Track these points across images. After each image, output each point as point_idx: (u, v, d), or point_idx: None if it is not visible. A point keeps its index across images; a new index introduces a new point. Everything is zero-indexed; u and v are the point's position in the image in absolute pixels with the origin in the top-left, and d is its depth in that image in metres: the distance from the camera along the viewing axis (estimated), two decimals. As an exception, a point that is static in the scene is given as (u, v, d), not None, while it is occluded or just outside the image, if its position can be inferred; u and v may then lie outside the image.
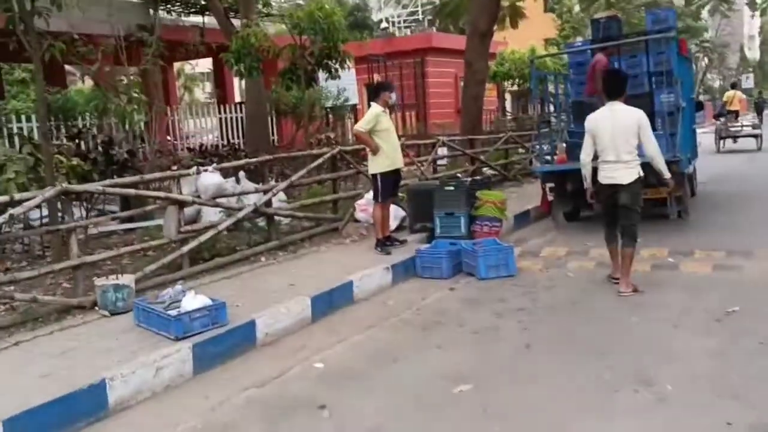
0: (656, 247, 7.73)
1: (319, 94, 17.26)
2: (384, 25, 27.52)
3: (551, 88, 11.93)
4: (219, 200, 7.45)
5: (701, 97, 40.66)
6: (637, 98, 8.35)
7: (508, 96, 28.94)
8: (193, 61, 30.69)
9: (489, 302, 6.14)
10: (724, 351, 4.53)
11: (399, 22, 30.99)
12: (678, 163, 8.61)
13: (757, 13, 59.22)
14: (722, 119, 20.46)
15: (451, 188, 8.27)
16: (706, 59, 46.98)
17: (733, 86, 22.12)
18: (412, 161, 10.84)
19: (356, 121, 21.70)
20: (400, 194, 9.05)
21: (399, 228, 8.97)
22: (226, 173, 9.66)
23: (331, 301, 6.15)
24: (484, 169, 13.43)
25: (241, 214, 7.39)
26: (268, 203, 7.87)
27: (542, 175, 9.59)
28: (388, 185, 7.70)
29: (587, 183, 6.50)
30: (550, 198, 9.67)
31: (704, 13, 46.02)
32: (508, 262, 7.07)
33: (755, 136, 19.70)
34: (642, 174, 6.16)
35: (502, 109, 27.78)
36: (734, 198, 11.24)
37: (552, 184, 9.58)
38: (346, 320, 5.90)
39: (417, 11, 29.56)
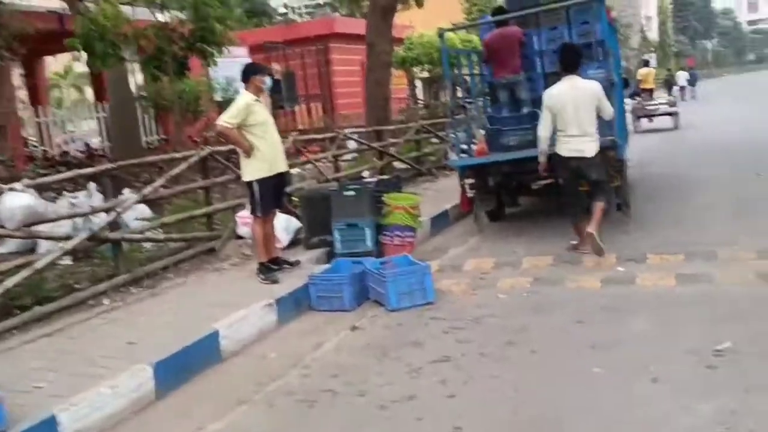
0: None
1: (206, 86, 15.35)
2: (282, 10, 25.57)
3: (466, 70, 10.54)
4: (38, 228, 5.58)
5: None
6: (559, 75, 7.00)
7: (419, 83, 27.64)
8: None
9: (402, 349, 4.60)
10: (737, 423, 3.14)
11: (300, 8, 29.12)
12: (616, 147, 7.35)
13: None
14: (638, 98, 19.78)
15: (352, 192, 6.68)
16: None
17: (646, 64, 21.60)
18: (307, 159, 9.19)
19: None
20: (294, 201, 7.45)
21: (294, 243, 7.35)
22: (76, 186, 7.77)
23: (187, 365, 4.46)
24: (395, 163, 11.94)
25: (71, 245, 5.55)
26: (114, 225, 6.04)
27: (460, 169, 8.15)
28: (268, 194, 6.03)
29: (543, 158, 6.57)
30: (470, 195, 8.26)
31: (607, -5, 46.28)
32: (424, 285, 5.55)
33: (672, 113, 19.10)
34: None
35: (414, 96, 26.47)
36: (667, 183, 10.18)
37: (472, 180, 8.17)
38: (206, 393, 4.23)
39: (319, -4, 27.82)
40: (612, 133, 7.28)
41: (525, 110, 8.05)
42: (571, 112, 6.26)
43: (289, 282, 5.95)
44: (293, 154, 14.62)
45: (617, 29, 10.26)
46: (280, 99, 22.16)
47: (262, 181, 5.96)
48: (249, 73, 6.06)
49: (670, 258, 5.94)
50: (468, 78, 9.80)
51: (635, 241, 6.72)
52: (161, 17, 9.13)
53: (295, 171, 11.11)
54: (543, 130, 6.49)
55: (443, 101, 9.62)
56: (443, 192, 10.29)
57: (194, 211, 7.06)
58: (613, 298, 5.12)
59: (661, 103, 19.37)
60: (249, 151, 5.90)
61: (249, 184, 6.03)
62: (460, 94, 9.11)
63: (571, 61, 6.48)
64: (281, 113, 22.04)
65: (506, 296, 5.52)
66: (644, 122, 19.74)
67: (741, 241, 6.19)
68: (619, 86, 8.54)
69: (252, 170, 5.97)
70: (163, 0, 8.70)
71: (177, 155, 7.28)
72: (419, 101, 25.76)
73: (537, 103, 8.82)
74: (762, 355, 3.81)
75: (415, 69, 23.90)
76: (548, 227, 7.85)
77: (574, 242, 6.67)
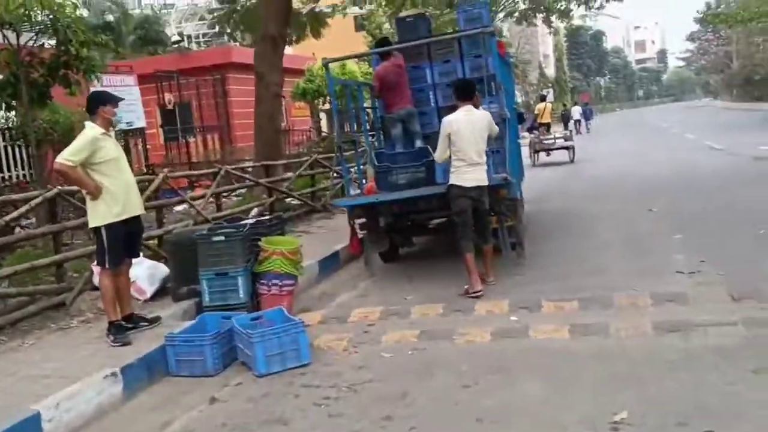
0: (493, 299, 5.98)
1: (82, 116, 14.20)
2: (176, 38, 24.53)
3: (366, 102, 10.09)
4: None
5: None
6: (453, 109, 6.64)
7: (323, 115, 27.16)
8: None
9: (263, 428, 3.91)
10: None
11: (198, 37, 28.13)
12: (509, 186, 7.02)
13: (551, 33, 63.37)
14: (535, 132, 20.07)
15: (222, 237, 5.96)
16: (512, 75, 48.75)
17: (543, 99, 22.03)
18: (182, 199, 8.38)
19: (145, 147, 18.98)
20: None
21: (161, 292, 6.54)
22: None
23: (-7, 462, 3.60)
24: (288, 199, 11.28)
25: None
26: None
27: (349, 209, 7.60)
28: (118, 242, 5.23)
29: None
30: (361, 236, 7.71)
31: (505, 32, 47.80)
32: (298, 345, 4.89)
33: (568, 147, 19.44)
34: None
35: (318, 129, 25.94)
36: (563, 219, 10.03)
37: (362, 220, 7.63)
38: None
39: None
40: (504, 170, 6.96)
41: (417, 145, 7.63)
42: (470, 139, 6.25)
43: (143, 343, 5.15)
44: (183, 188, 13.77)
45: (511, 63, 10.07)
46: (174, 130, 21.27)
47: (111, 227, 5.16)
48: (95, 104, 5.27)
49: (565, 305, 5.55)
50: (368, 111, 9.37)
51: (529, 285, 6.34)
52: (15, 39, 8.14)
53: (181, 208, 10.30)
54: (440, 155, 6.47)
55: (346, 133, 9.21)
56: (337, 230, 9.71)
57: (40, 260, 6.11)
58: (504, 355, 4.64)
59: (557, 138, 19.71)
60: (95, 193, 5.10)
61: (96, 230, 5.21)
62: (358, 127, 8.61)
63: (466, 92, 6.49)
64: (174, 145, 21.05)
65: (390, 354, 4.93)
66: (542, 156, 20.03)
67: (637, 284, 5.91)
68: (512, 122, 8.28)
69: (99, 214, 5.16)
70: (13, 21, 7.72)
71: (15, 196, 6.33)
72: (323, 133, 25.25)
73: (430, 138, 8.48)
74: (660, 427, 3.38)
75: (318, 101, 23.40)
76: (443, 268, 7.41)
77: (467, 287, 6.23)
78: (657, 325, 4.81)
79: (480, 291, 6.16)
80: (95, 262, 6.28)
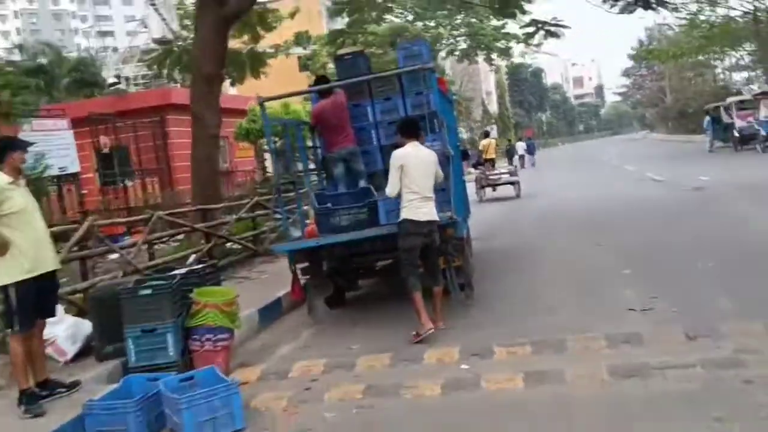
0: (443, 345, 5.67)
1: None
2: (112, 80, 23.91)
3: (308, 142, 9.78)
4: None
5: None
6: (397, 147, 6.40)
7: (268, 156, 26.73)
8: None
9: None
10: None
11: (137, 78, 27.53)
12: (455, 225, 6.78)
13: (493, 70, 64.82)
14: (481, 168, 20.11)
15: (148, 291, 5.50)
16: (455, 112, 49.38)
17: (486, 135, 22.21)
18: (109, 248, 7.85)
19: (79, 193, 18.18)
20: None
21: (86, 352, 6.00)
22: None
23: None
24: (229, 244, 10.82)
25: None
26: None
27: (289, 254, 7.22)
28: (28, 302, 4.73)
29: None
30: (303, 282, 7.32)
31: (447, 69, 48.57)
32: (231, 409, 4.46)
33: (513, 182, 19.51)
34: None
35: (263, 169, 25.50)
36: (513, 255, 9.86)
37: (304, 264, 7.26)
38: None
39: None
40: (450, 209, 6.72)
41: (360, 185, 7.35)
42: (423, 174, 6.13)
43: (59, 413, 4.64)
44: (121, 235, 13.12)
45: (453, 100, 9.98)
46: (111, 175, 20.53)
47: (19, 285, 4.67)
48: (2, 151, 4.79)
49: (518, 350, 5.28)
50: (309, 151, 9.07)
51: (480, 329, 6.05)
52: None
53: (117, 256, 9.71)
54: (392, 190, 6.18)
55: (293, 173, 8.88)
56: (280, 275, 9.24)
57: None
58: (454, 410, 4.31)
59: (502, 173, 19.80)
60: (2, 249, 4.62)
61: (3, 289, 4.71)
62: (289, 169, 8.30)
63: (410, 129, 6.38)
64: (111, 190, 20.28)
65: (333, 414, 4.54)
66: (489, 191, 20.05)
67: (589, 324, 5.69)
68: (456, 159, 8.11)
69: (6, 271, 4.66)
70: None
71: None
72: (267, 174, 24.81)
73: (374, 177, 8.23)
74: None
75: (262, 141, 23.03)
76: (391, 311, 7.09)
77: (414, 333, 5.91)
78: (613, 369, 4.56)
79: (431, 329, 5.88)
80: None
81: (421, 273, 6.22)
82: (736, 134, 28.19)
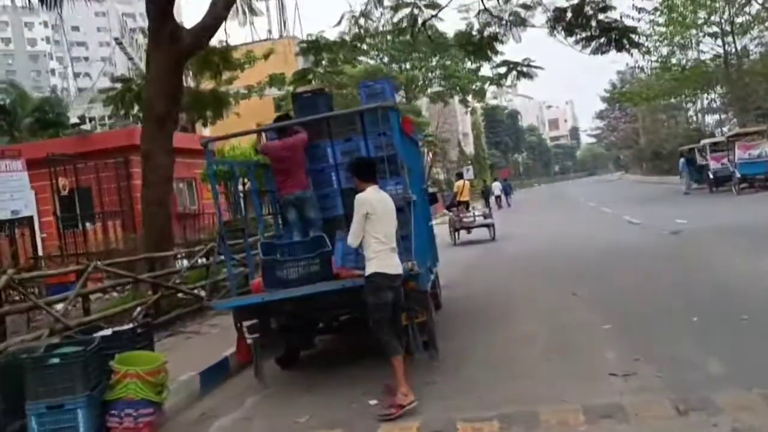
0: (401, 420, 4.97)
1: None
2: (74, 120, 23.19)
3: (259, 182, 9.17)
4: None
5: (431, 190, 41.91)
6: (357, 192, 5.80)
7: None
8: None
9: None
10: None
11: (104, 119, 26.86)
12: (417, 277, 6.14)
13: (469, 111, 65.21)
14: (454, 210, 19.57)
15: (56, 360, 4.75)
16: (431, 153, 49.21)
17: (460, 177, 21.71)
18: (34, 304, 7.05)
19: (33, 237, 17.29)
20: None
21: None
22: None
23: None
24: (180, 294, 10.04)
25: None
26: None
27: (233, 311, 6.51)
28: None
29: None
30: (250, 341, 6.59)
31: (424, 111, 48.58)
32: None
33: (488, 225, 18.98)
34: None
35: (234, 212, 24.74)
36: (484, 305, 9.20)
37: (252, 321, 6.55)
38: None
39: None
40: (410, 259, 6.08)
41: (312, 233, 6.71)
42: (388, 221, 5.57)
43: None
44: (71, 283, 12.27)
45: (419, 141, 9.43)
46: (71, 218, 19.64)
47: None
48: None
49: (484, 427, 4.59)
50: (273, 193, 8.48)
51: (443, 398, 5.36)
52: None
53: (61, 306, 8.90)
54: (354, 239, 5.48)
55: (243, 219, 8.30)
56: (233, 330, 8.49)
57: None
58: None
59: (476, 215, 19.25)
60: None
61: None
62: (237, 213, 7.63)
63: (368, 171, 5.75)
64: (70, 234, 19.38)
65: None
66: (463, 234, 19.49)
67: (565, 392, 5.04)
68: (420, 204, 7.51)
69: None
70: None
71: None
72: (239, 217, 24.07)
73: (334, 222, 7.61)
74: None
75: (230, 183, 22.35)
76: (351, 374, 6.40)
77: (389, 400, 5.19)
78: (594, 454, 3.91)
79: (414, 401, 5.13)
80: None
81: None
82: (711, 176, 28.10)
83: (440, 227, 23.98)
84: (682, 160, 32.25)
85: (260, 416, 5.68)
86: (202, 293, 10.12)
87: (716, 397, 4.50)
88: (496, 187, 44.16)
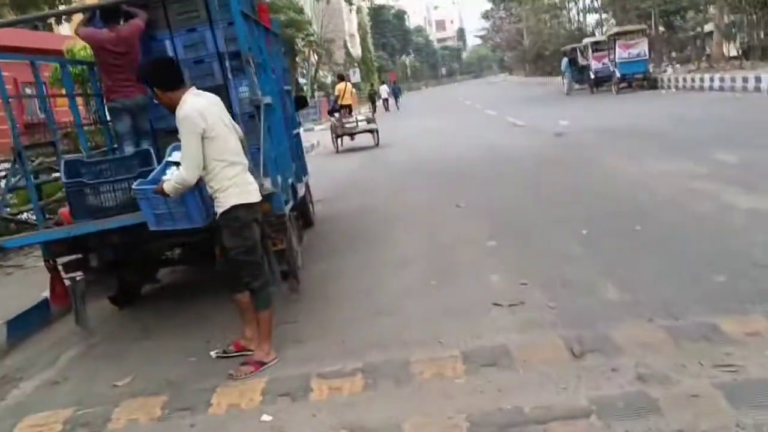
0: (245, 378, 4.01)
1: None
2: None
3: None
4: None
5: (315, 95, 40.12)
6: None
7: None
8: None
9: None
10: None
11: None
12: (271, 198, 5.06)
13: (354, 10, 62.57)
14: (336, 115, 18.35)
15: None
16: (315, 55, 46.92)
17: (342, 79, 20.29)
18: None
19: None
20: None
21: None
22: None
23: None
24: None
25: None
26: None
27: (42, 248, 5.21)
28: None
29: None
30: (69, 282, 5.36)
31: (307, 9, 45.89)
32: None
33: (371, 131, 17.96)
34: None
35: (95, 120, 22.27)
36: (359, 222, 8.31)
37: (67, 259, 5.30)
38: None
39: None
40: (260, 176, 4.96)
41: (129, 149, 5.43)
42: (231, 132, 4.22)
43: None
44: None
45: (279, 35, 8.04)
46: None
47: None
48: None
49: (345, 385, 3.70)
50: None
51: (299, 345, 4.44)
52: None
53: None
54: (192, 172, 3.96)
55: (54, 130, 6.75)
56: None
57: None
58: None
59: (359, 120, 18.12)
60: None
61: None
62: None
63: (168, 76, 4.13)
64: None
65: None
66: (346, 140, 18.43)
67: (443, 332, 4.23)
68: (277, 108, 6.32)
69: None
70: None
71: None
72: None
73: (172, 136, 6.33)
74: None
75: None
76: (192, 315, 5.38)
77: (254, 361, 4.18)
78: (475, 421, 3.11)
79: (275, 359, 4.21)
80: None
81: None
82: (592, 76, 28.22)
83: (324, 134, 22.87)
84: (564, 60, 32.22)
85: (73, 378, 4.55)
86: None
87: (615, 333, 3.82)
88: (384, 90, 43.20)
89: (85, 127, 7.21)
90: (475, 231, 6.87)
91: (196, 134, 3.94)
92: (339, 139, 18.15)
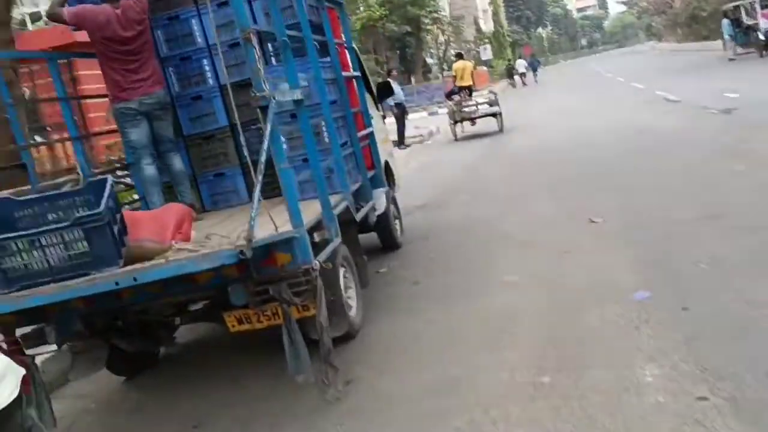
0: None
1: None
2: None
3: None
4: None
5: (442, 75, 38.01)
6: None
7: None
8: None
9: None
10: None
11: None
12: (291, 245, 3.33)
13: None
14: (455, 98, 16.31)
15: None
16: (443, 34, 44.75)
17: (460, 56, 18.19)
18: None
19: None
20: None
21: None
22: None
23: None
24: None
25: None
26: None
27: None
28: None
29: None
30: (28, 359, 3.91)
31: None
32: None
33: (494, 114, 15.72)
34: None
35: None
36: (454, 248, 6.34)
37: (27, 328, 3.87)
38: None
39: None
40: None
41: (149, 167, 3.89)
42: None
43: None
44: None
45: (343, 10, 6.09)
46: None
47: None
48: None
49: None
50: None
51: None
52: None
53: None
54: None
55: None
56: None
57: None
58: None
59: (479, 103, 15.93)
60: None
61: None
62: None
63: None
64: None
65: None
66: (467, 125, 16.39)
67: None
68: (324, 106, 4.56)
69: None
70: None
71: None
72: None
73: (210, 143, 4.83)
74: None
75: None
76: (193, 388, 3.77)
77: None
78: None
79: None
80: None
81: None
82: (762, 37, 23.99)
83: (443, 119, 20.83)
84: (725, 21, 27.86)
85: None
86: None
87: None
88: (521, 64, 41.43)
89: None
90: (615, 268, 4.71)
91: None
92: (458, 125, 16.09)
